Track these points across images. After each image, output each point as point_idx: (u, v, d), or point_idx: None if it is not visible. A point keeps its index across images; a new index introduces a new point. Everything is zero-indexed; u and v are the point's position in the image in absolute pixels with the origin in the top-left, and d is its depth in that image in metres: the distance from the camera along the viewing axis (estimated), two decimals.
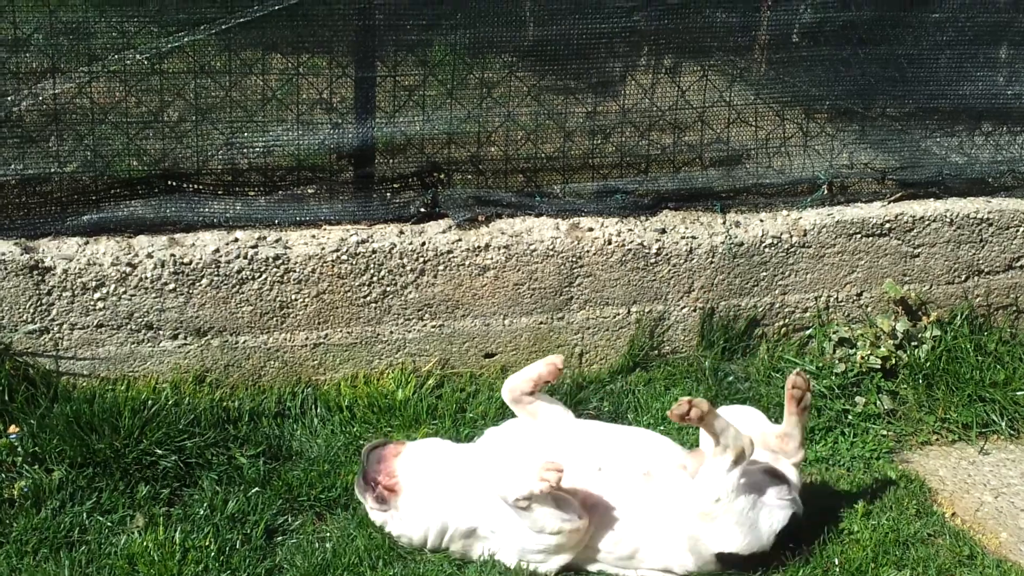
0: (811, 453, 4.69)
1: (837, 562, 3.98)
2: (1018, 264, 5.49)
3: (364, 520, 4.10)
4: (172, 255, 4.49)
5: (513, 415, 4.26)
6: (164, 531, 3.93)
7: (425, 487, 3.92)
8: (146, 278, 4.47)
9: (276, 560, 3.93)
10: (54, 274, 4.38)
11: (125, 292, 4.47)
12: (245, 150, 4.76)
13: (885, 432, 4.87)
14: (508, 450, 4.01)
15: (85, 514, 4.01)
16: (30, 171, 4.51)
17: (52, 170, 4.54)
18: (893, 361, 5.06)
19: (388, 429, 4.57)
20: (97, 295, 4.44)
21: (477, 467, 3.95)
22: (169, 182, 4.69)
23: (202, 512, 4.05)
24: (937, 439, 4.92)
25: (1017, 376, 5.13)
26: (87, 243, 4.47)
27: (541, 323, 4.97)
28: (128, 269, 4.45)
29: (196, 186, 4.72)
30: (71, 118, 4.55)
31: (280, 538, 4.05)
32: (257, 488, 4.20)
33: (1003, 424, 4.96)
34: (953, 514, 4.41)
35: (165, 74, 4.57)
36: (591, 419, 4.48)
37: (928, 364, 5.08)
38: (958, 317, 5.36)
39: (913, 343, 5.16)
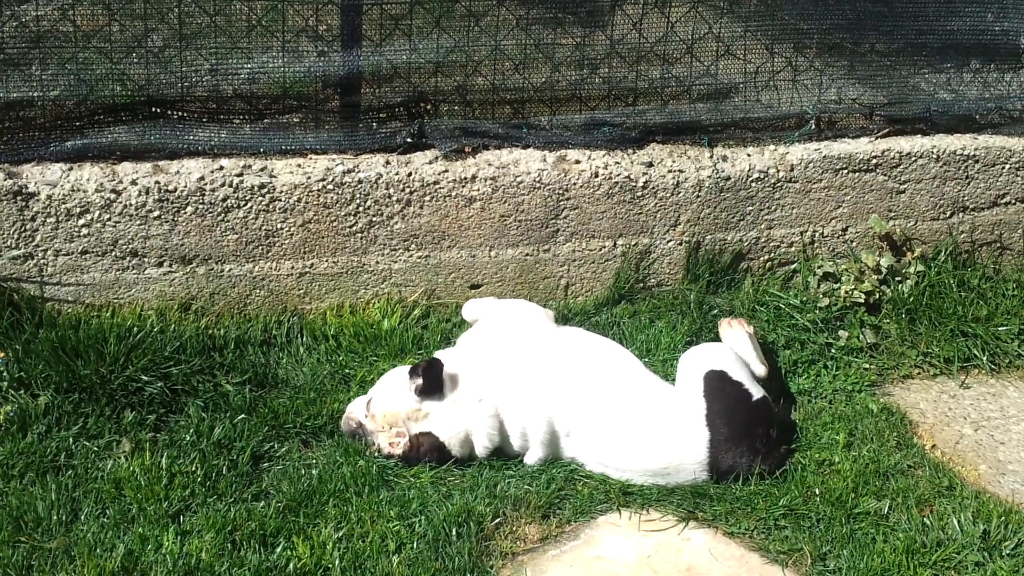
0: (793, 385, 4.74)
1: (818, 492, 4.03)
2: (1003, 201, 5.51)
3: (349, 448, 4.13)
4: (157, 182, 4.46)
5: None
6: (150, 456, 3.96)
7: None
8: (131, 205, 4.45)
9: (262, 486, 3.96)
10: (38, 200, 4.35)
11: (109, 219, 4.44)
12: (230, 77, 4.73)
13: (867, 366, 4.90)
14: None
15: (71, 439, 4.02)
16: (13, 96, 4.47)
17: (35, 95, 4.50)
18: (877, 296, 5.09)
19: (374, 359, 4.58)
20: (81, 221, 4.42)
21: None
22: (153, 108, 4.65)
23: (188, 438, 4.08)
24: (919, 373, 4.96)
25: (999, 312, 5.17)
26: (71, 169, 4.44)
27: (527, 255, 4.97)
28: (112, 196, 4.42)
29: (181, 113, 4.69)
30: (54, 43, 4.49)
31: (266, 464, 4.09)
32: (243, 415, 4.22)
33: (984, 359, 5.00)
34: (933, 446, 4.46)
35: None
36: None
37: (911, 299, 5.11)
38: (942, 253, 5.38)
39: (897, 278, 5.19)
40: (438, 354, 4.33)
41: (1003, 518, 3.91)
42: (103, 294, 4.55)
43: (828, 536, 3.84)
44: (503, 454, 4.18)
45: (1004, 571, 3.66)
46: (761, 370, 4.47)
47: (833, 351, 4.92)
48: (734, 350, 4.48)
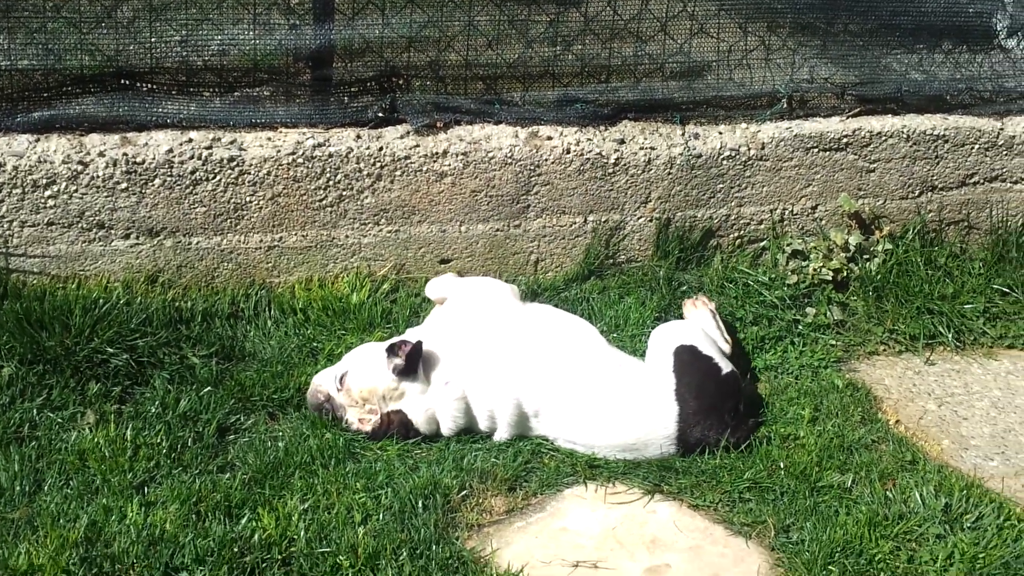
0: (760, 361, 4.77)
1: (782, 465, 4.05)
2: (971, 181, 5.54)
3: (317, 421, 4.13)
4: (124, 154, 4.44)
5: None
6: (115, 428, 3.95)
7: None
8: (98, 176, 4.42)
9: (228, 458, 3.95)
10: (4, 171, 4.33)
11: (76, 190, 4.42)
12: (200, 50, 4.70)
13: (834, 342, 4.93)
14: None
15: (35, 410, 4.01)
16: None
17: (3, 65, 4.46)
18: (845, 273, 5.12)
19: (342, 332, 4.57)
20: (48, 193, 4.40)
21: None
22: (122, 80, 4.62)
23: (153, 410, 4.07)
24: (884, 350, 4.99)
25: (965, 290, 5.20)
26: (38, 140, 4.41)
27: (497, 230, 4.97)
28: (79, 167, 4.40)
29: (150, 85, 4.66)
30: (22, 13, 4.46)
31: (232, 437, 4.08)
32: (209, 388, 4.21)
33: (950, 336, 5.03)
34: (897, 422, 4.49)
35: None
36: None
37: (879, 277, 5.13)
38: (910, 232, 5.41)
39: (865, 256, 5.21)
40: (409, 333, 4.33)
41: (964, 492, 3.93)
42: (69, 266, 4.52)
43: (792, 509, 3.86)
44: (470, 432, 4.19)
45: (965, 543, 3.69)
46: (726, 347, 4.49)
47: (800, 328, 4.95)
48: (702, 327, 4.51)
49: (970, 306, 5.13)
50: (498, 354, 4.19)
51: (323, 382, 4.20)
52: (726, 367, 4.28)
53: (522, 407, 4.14)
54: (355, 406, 4.13)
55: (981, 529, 3.78)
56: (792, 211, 5.33)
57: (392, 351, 4.09)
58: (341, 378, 4.15)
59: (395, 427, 4.09)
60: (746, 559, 3.70)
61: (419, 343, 4.08)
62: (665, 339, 4.32)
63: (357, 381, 4.12)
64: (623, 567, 3.64)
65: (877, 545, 3.69)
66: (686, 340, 4.29)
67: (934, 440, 4.40)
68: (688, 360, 4.22)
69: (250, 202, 4.64)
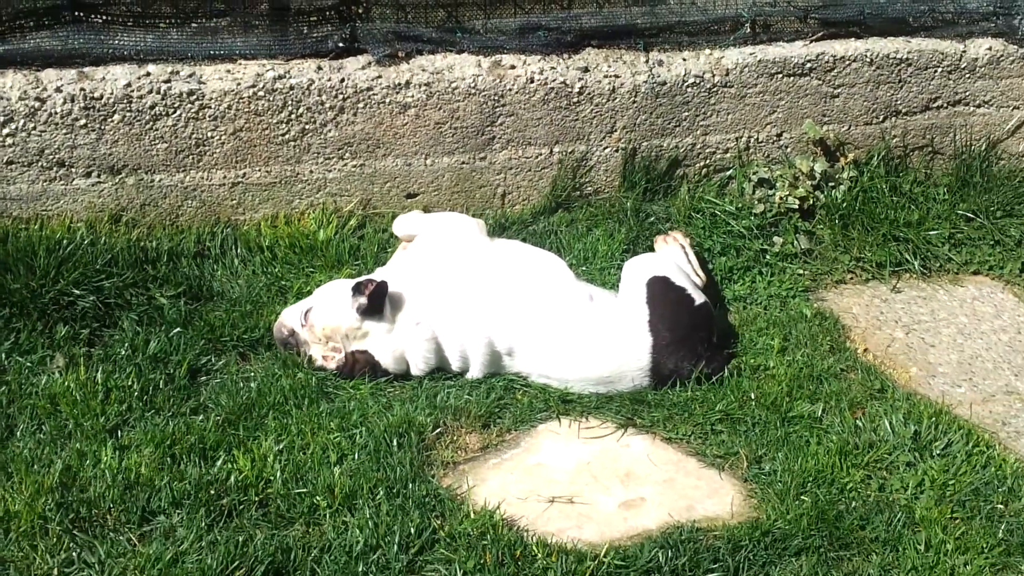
0: (729, 292, 4.79)
1: (753, 396, 4.09)
2: (935, 105, 5.55)
3: (288, 360, 4.11)
4: (82, 89, 4.34)
5: None
6: (85, 371, 3.91)
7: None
8: (56, 113, 4.33)
9: (200, 399, 3.93)
10: None
11: (34, 128, 4.32)
12: None
13: (802, 271, 4.96)
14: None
15: (3, 354, 3.97)
16: None
17: None
18: (811, 202, 5.13)
19: (310, 270, 4.54)
20: (5, 131, 4.30)
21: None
22: (76, 13, 4.50)
23: (123, 352, 4.03)
24: (852, 278, 5.03)
25: (930, 216, 5.24)
26: None
27: (463, 163, 4.93)
28: (37, 104, 4.30)
29: (105, 17, 4.54)
30: None
31: (204, 378, 4.06)
32: (179, 328, 4.17)
33: (916, 263, 5.08)
34: (865, 350, 4.54)
35: None
36: None
37: (845, 204, 5.16)
38: (875, 158, 5.42)
39: (831, 184, 5.23)
40: (378, 272, 4.30)
41: (933, 419, 4.00)
42: (30, 206, 4.44)
43: (763, 439, 3.91)
44: (441, 371, 4.19)
45: (934, 470, 3.76)
46: (699, 280, 4.50)
47: (768, 257, 4.97)
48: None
49: (935, 232, 5.17)
50: (467, 292, 4.17)
51: (289, 317, 4.17)
52: (699, 298, 4.29)
53: (494, 345, 4.14)
54: (318, 343, 4.11)
55: (950, 456, 3.86)
56: (757, 139, 5.32)
57: (357, 290, 4.06)
58: (306, 313, 4.12)
59: (361, 367, 4.08)
60: (719, 490, 3.74)
61: (383, 283, 4.05)
62: (637, 271, 4.32)
63: (320, 318, 4.10)
64: (598, 501, 3.67)
65: (848, 474, 3.75)
66: (658, 272, 4.30)
67: (902, 368, 4.46)
68: (660, 291, 4.23)
69: (212, 137, 4.56)
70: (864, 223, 5.12)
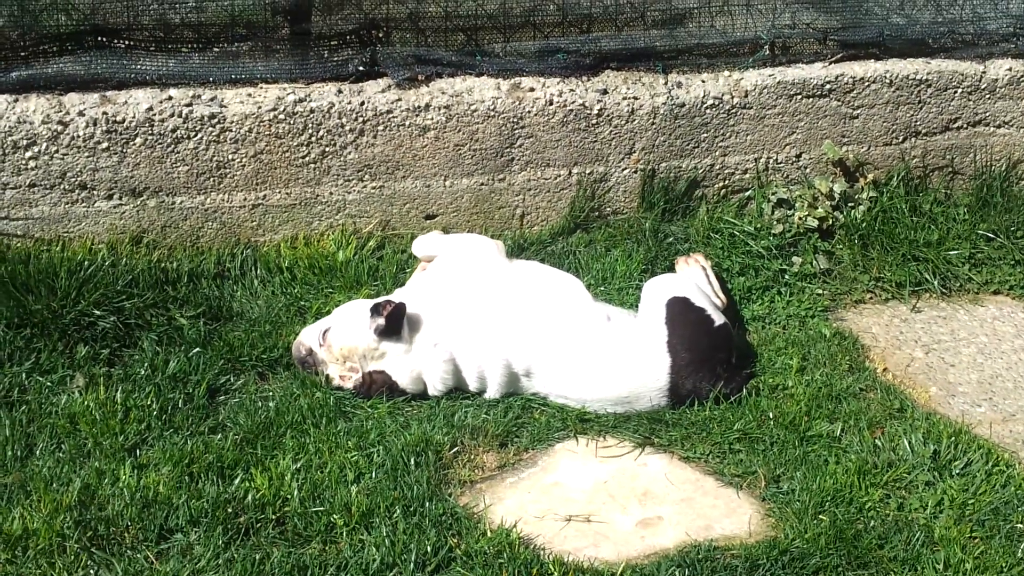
0: (748, 312, 4.78)
1: (772, 416, 4.08)
2: (955, 125, 5.53)
3: (306, 380, 4.12)
4: (104, 113, 4.39)
5: None
6: (105, 391, 3.94)
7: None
8: (78, 136, 4.38)
9: (219, 419, 3.95)
10: None
11: (57, 151, 4.37)
12: (177, 5, 4.64)
13: (821, 291, 4.95)
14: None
15: (24, 374, 4.00)
16: None
17: None
18: (830, 222, 5.12)
19: (329, 291, 4.56)
20: (28, 154, 4.35)
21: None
22: (100, 38, 4.56)
23: (143, 372, 4.06)
24: (871, 298, 5.01)
25: (950, 236, 5.22)
26: (16, 101, 4.35)
27: (482, 184, 4.95)
28: (59, 127, 4.35)
29: (128, 42, 4.60)
30: None
31: (223, 397, 4.08)
32: (198, 349, 4.20)
33: (935, 283, 5.06)
34: (885, 370, 4.52)
35: None
36: None
37: (864, 225, 5.14)
38: (895, 178, 5.41)
39: (850, 204, 5.22)
40: (396, 293, 4.32)
41: (953, 439, 3.97)
42: (52, 228, 4.48)
43: (782, 459, 3.89)
44: (459, 391, 4.19)
45: (954, 490, 3.73)
46: (719, 302, 4.49)
47: (787, 277, 4.96)
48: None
49: (955, 252, 5.15)
50: (485, 314, 4.19)
51: (307, 337, 4.19)
52: (718, 319, 4.29)
53: (512, 367, 4.14)
54: (336, 363, 4.13)
55: (970, 475, 3.82)
56: (776, 160, 5.32)
57: (376, 311, 4.08)
58: (324, 333, 4.14)
59: (378, 386, 4.10)
60: (737, 510, 3.72)
61: (401, 305, 4.07)
62: (657, 291, 4.33)
63: (338, 338, 4.12)
64: (615, 520, 3.66)
65: (867, 493, 3.72)
66: (678, 292, 4.30)
67: (922, 387, 4.43)
68: (680, 312, 4.23)
69: (232, 160, 4.60)
70: (884, 243, 5.11)
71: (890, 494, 3.74)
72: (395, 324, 4.07)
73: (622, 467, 3.90)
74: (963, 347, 4.72)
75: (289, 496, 3.56)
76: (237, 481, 3.61)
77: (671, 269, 4.71)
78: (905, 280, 5.04)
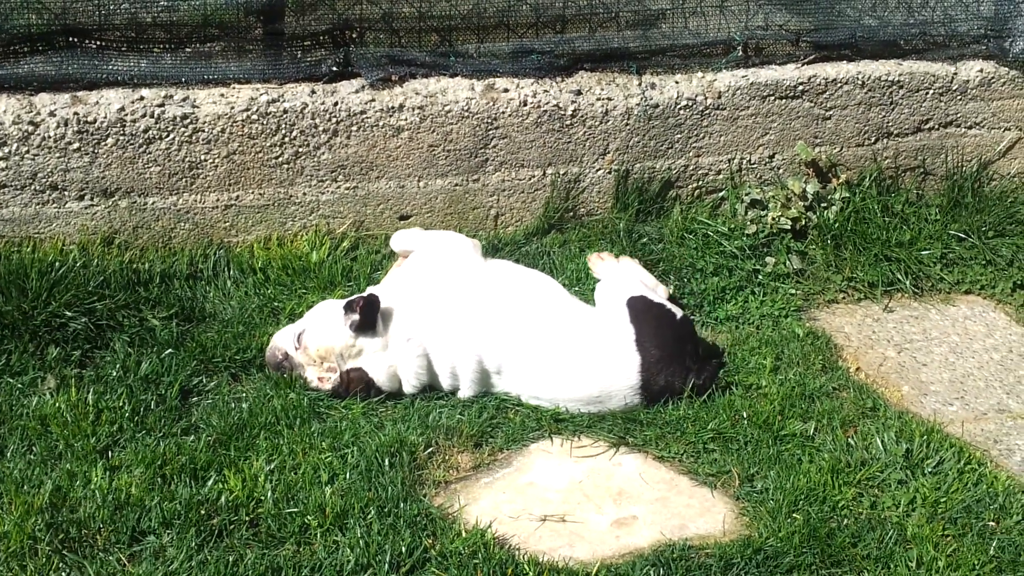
0: (721, 312, 4.80)
1: (745, 415, 4.08)
2: (926, 126, 5.57)
3: (280, 381, 4.11)
4: (76, 113, 4.36)
5: None
6: (77, 392, 3.91)
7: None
8: (49, 137, 4.35)
9: (192, 420, 3.93)
10: None
11: (28, 151, 4.34)
12: (149, 5, 4.61)
13: (794, 291, 4.97)
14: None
15: None
16: None
17: None
18: (803, 222, 5.14)
19: (303, 291, 4.54)
20: None
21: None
22: (71, 38, 4.53)
23: (115, 374, 4.03)
24: (844, 298, 5.04)
25: (922, 236, 5.25)
26: None
27: (456, 185, 4.94)
28: (30, 128, 4.32)
29: (99, 43, 4.57)
30: None
31: (195, 399, 4.06)
32: (170, 350, 4.17)
33: (907, 283, 5.08)
34: (857, 369, 4.54)
35: None
36: None
37: (837, 225, 5.17)
38: (867, 179, 5.44)
39: (823, 204, 5.24)
40: (369, 289, 4.31)
41: (925, 437, 3.99)
42: (23, 228, 4.45)
43: (756, 458, 3.90)
44: (433, 390, 4.19)
45: (926, 488, 3.75)
46: (664, 292, 4.52)
47: (760, 277, 4.97)
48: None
49: (927, 252, 5.18)
50: (458, 310, 4.18)
51: (281, 340, 4.18)
52: (678, 312, 4.31)
53: (484, 364, 4.14)
54: (313, 364, 4.11)
55: (942, 474, 3.84)
56: (750, 160, 5.34)
57: (349, 307, 4.07)
58: (299, 336, 4.12)
59: (356, 385, 4.08)
60: (712, 509, 3.73)
61: (374, 296, 4.06)
62: (614, 292, 4.34)
63: (314, 339, 4.10)
64: (590, 520, 3.66)
65: (840, 492, 3.74)
66: (634, 291, 4.32)
67: (894, 386, 4.46)
68: (642, 309, 4.24)
69: (205, 160, 4.58)
70: (856, 243, 5.13)
71: (863, 493, 3.76)
72: (370, 318, 4.06)
73: (597, 467, 3.90)
74: (935, 346, 4.75)
75: (263, 497, 3.54)
76: (210, 483, 3.59)
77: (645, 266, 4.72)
78: (877, 280, 5.06)
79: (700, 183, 5.30)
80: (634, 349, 4.13)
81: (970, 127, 5.63)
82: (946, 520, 3.65)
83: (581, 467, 3.89)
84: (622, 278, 4.47)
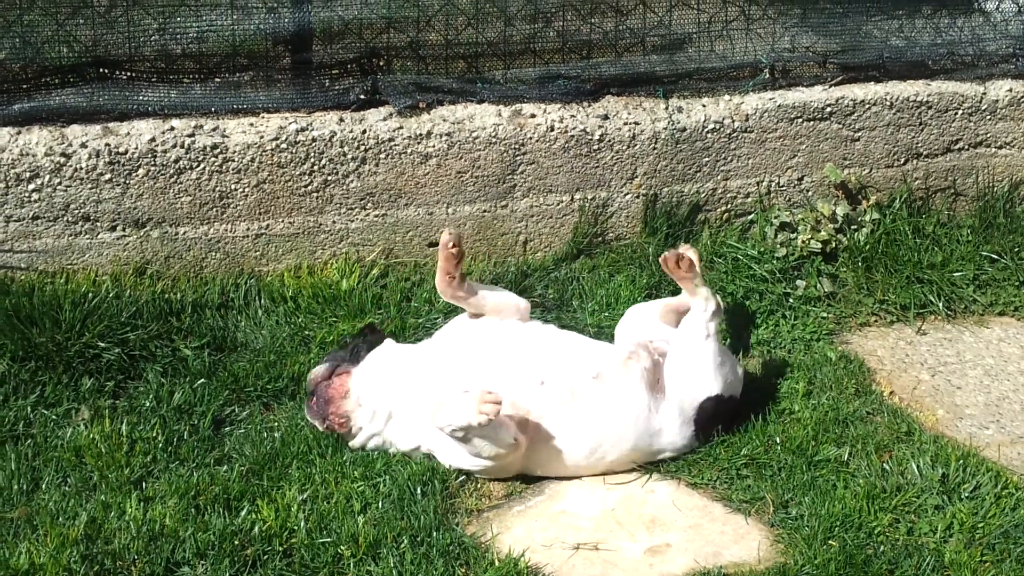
0: (753, 336, 4.77)
1: (779, 440, 4.06)
2: (956, 147, 5.54)
3: None
4: (107, 144, 4.39)
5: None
6: (110, 423, 3.93)
7: (373, 421, 3.93)
8: (81, 168, 4.38)
9: (224, 450, 3.94)
10: None
11: (60, 183, 4.37)
12: (178, 36, 4.66)
13: (825, 314, 4.94)
14: (449, 365, 3.97)
15: (29, 408, 3.99)
16: None
17: None
18: (833, 245, 5.12)
19: (333, 319, 4.55)
20: (32, 186, 4.35)
21: (422, 386, 3.92)
22: (101, 70, 4.57)
23: (148, 404, 4.05)
24: (876, 320, 5.01)
25: (954, 258, 5.21)
26: (19, 133, 4.36)
27: (485, 211, 4.95)
28: (62, 159, 4.35)
29: (129, 74, 4.61)
30: None
31: (228, 428, 4.07)
32: (203, 379, 4.19)
33: (940, 305, 5.05)
34: (891, 393, 4.51)
35: None
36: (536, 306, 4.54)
37: (867, 247, 5.14)
38: (897, 200, 5.41)
39: (853, 227, 5.22)
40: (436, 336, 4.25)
41: (961, 461, 3.95)
42: (56, 260, 4.48)
43: (790, 484, 3.87)
44: None
45: (963, 513, 3.71)
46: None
47: (791, 301, 4.95)
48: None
49: (959, 274, 5.15)
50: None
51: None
52: (738, 395, 4.19)
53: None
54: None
55: (979, 498, 3.80)
56: (778, 183, 5.32)
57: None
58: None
59: None
60: (746, 536, 3.71)
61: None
62: (690, 390, 4.04)
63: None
64: (624, 548, 3.65)
65: (876, 518, 3.71)
66: (712, 390, 4.06)
67: (929, 410, 4.42)
68: (713, 415, 4.07)
69: (235, 189, 4.60)
70: (887, 265, 5.11)
71: (899, 518, 3.72)
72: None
73: (629, 494, 3.88)
74: (969, 369, 4.71)
75: (296, 527, 3.54)
76: (243, 513, 3.59)
77: (675, 294, 4.62)
78: (910, 302, 5.03)
79: (729, 206, 5.29)
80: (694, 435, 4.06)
81: (1000, 147, 5.60)
82: (984, 546, 3.60)
83: (613, 494, 3.88)
84: (705, 370, 4.06)
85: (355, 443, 3.97)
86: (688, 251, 4.25)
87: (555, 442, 3.89)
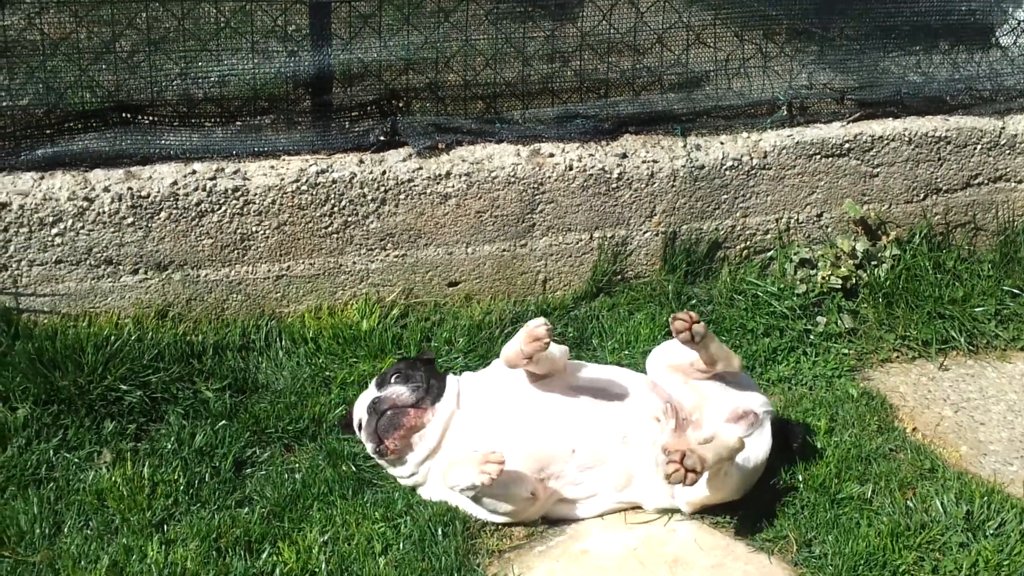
0: (774, 373, 4.75)
1: (801, 478, 4.04)
2: (976, 182, 5.54)
3: (333, 451, 4.12)
4: (129, 188, 4.43)
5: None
6: (132, 466, 3.93)
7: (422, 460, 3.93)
8: (104, 212, 4.41)
9: (246, 492, 3.94)
10: (10, 210, 4.31)
11: (83, 227, 4.41)
12: (200, 80, 4.70)
13: (846, 351, 4.92)
14: (482, 424, 3.95)
15: (52, 451, 4.00)
16: None
17: (4, 104, 4.46)
18: (854, 281, 5.11)
19: (354, 360, 4.56)
20: (55, 231, 4.38)
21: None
22: (124, 114, 4.61)
23: (170, 446, 4.06)
24: (898, 356, 4.98)
25: (976, 293, 5.19)
26: (42, 178, 4.40)
27: (504, 250, 4.96)
28: (85, 204, 4.39)
29: (151, 118, 4.65)
30: (22, 51, 4.45)
31: (249, 470, 4.07)
32: (224, 421, 4.20)
33: (962, 340, 5.03)
34: (914, 429, 4.48)
35: (116, 4, 4.48)
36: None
37: (888, 283, 5.13)
38: (917, 236, 5.41)
39: (873, 262, 5.21)
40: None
41: (986, 498, 3.92)
42: (79, 303, 4.51)
43: (813, 522, 3.85)
44: None
45: (988, 551, 3.68)
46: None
47: (812, 337, 4.94)
48: None
49: (981, 309, 5.13)
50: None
51: None
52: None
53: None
54: None
55: (1004, 536, 3.77)
56: (798, 219, 5.32)
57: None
58: None
59: None
60: (770, 575, 3.68)
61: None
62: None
63: None
64: None
65: (900, 556, 3.68)
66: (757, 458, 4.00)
67: (952, 447, 4.40)
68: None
69: (256, 232, 4.63)
70: (908, 301, 5.09)
71: (924, 556, 3.70)
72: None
73: (651, 533, 3.87)
74: (992, 405, 4.69)
75: (317, 569, 3.55)
76: (265, 555, 3.60)
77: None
78: (931, 338, 5.01)
79: (748, 243, 5.29)
80: None
81: (1020, 181, 5.60)
82: None
83: (635, 534, 3.86)
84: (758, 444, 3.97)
85: (395, 472, 3.98)
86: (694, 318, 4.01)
87: (578, 504, 3.94)
